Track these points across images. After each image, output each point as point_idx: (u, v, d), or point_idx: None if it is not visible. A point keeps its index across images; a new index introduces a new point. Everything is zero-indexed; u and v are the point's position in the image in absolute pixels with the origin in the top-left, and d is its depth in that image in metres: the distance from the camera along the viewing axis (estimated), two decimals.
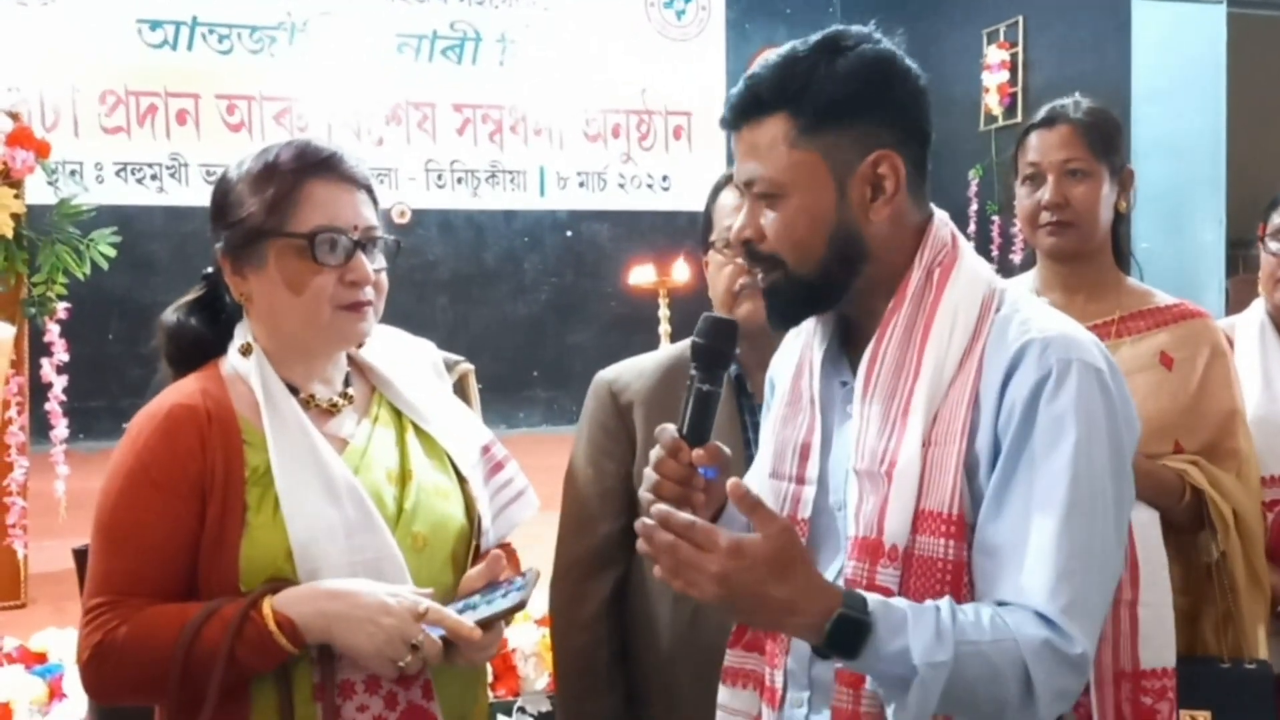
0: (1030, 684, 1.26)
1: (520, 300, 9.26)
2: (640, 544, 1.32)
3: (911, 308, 1.40)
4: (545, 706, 3.62)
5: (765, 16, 9.67)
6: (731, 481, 1.31)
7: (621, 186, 9.42)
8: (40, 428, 4.74)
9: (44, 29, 7.75)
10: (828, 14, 9.69)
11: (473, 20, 8.95)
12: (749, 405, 2.02)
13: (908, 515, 1.35)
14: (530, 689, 3.65)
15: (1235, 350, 2.40)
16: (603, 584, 2.04)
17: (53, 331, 4.50)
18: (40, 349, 4.52)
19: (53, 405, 4.56)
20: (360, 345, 1.72)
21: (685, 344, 2.11)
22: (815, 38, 1.41)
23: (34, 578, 4.50)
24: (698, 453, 1.42)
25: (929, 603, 1.30)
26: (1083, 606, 1.29)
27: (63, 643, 3.54)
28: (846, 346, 1.51)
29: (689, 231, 9.10)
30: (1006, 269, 7.71)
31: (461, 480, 1.75)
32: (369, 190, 1.66)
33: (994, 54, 8.16)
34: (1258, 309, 2.55)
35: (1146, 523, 2.01)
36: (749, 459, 1.88)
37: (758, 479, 1.56)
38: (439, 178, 8.93)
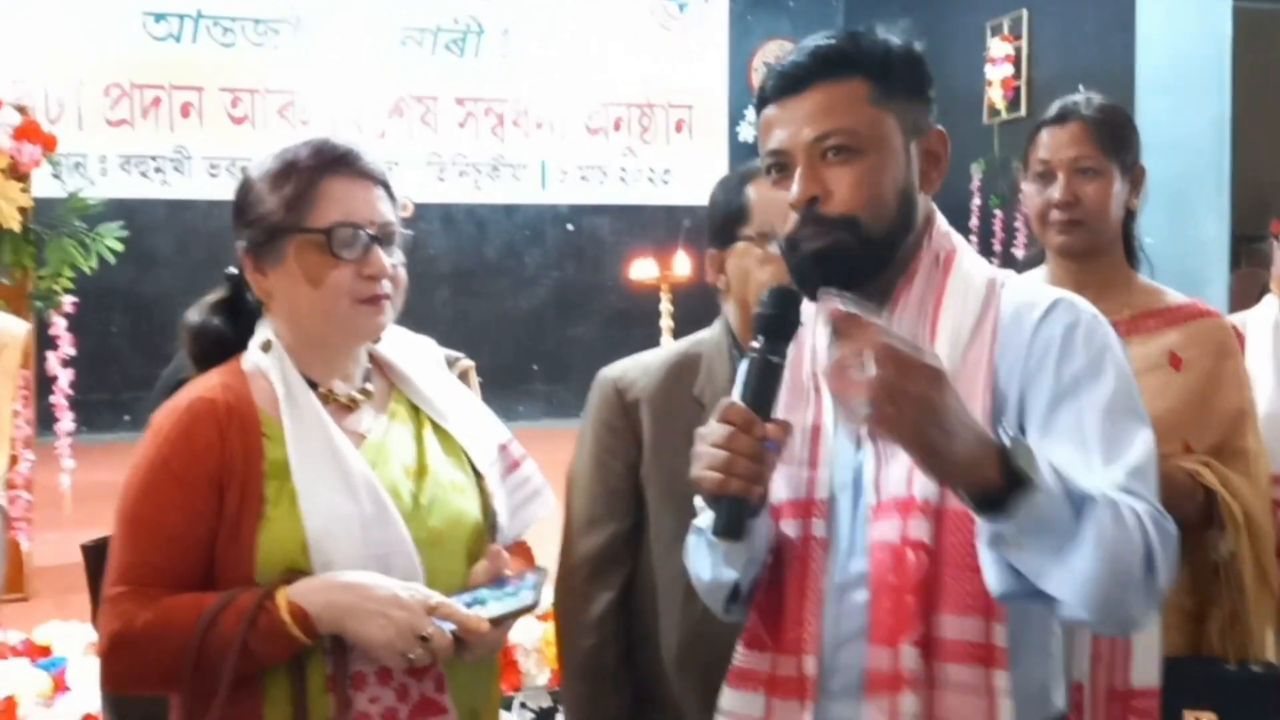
0: (1151, 555, 1.27)
1: (521, 294, 9.27)
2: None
3: (921, 284, 1.46)
4: (546, 702, 3.63)
5: (767, 9, 9.67)
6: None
7: (623, 180, 9.42)
8: (44, 420, 4.75)
9: (49, 22, 7.76)
10: (830, 6, 9.69)
11: (475, 13, 8.96)
12: None
13: None
14: (531, 684, 3.66)
15: (1246, 347, 2.39)
16: (610, 585, 2.02)
17: (58, 325, 4.51)
18: (45, 342, 4.53)
19: (58, 398, 4.57)
20: (378, 341, 1.74)
21: (690, 341, 2.11)
22: (868, 27, 1.49)
23: (37, 571, 4.51)
24: (772, 427, 1.37)
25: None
26: (1153, 473, 1.35)
27: (66, 636, 3.55)
28: None
29: (688, 224, 9.12)
30: (1009, 263, 7.68)
31: (478, 476, 1.76)
32: (385, 186, 1.69)
33: (998, 47, 8.15)
34: (1270, 305, 2.54)
35: None
36: None
37: None
38: (441, 171, 8.94)
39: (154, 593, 1.55)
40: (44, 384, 4.58)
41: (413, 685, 1.61)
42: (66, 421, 4.61)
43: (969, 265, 1.48)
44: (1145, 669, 1.94)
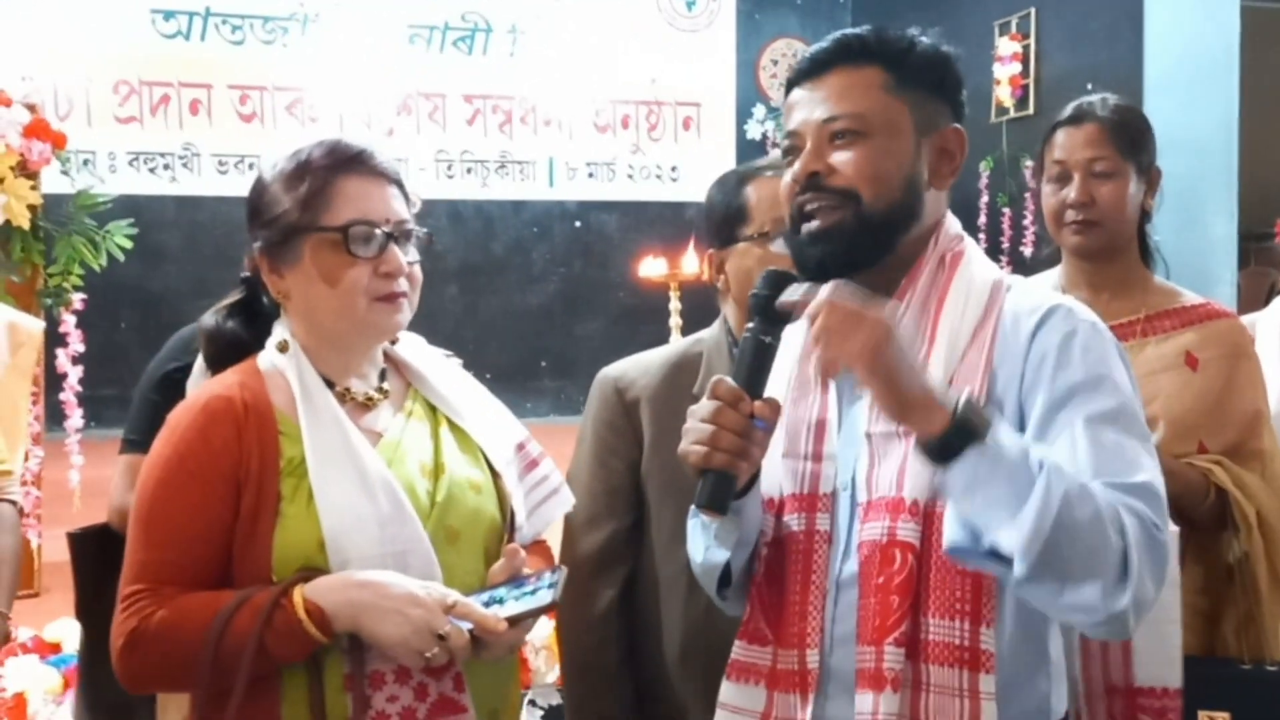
0: (1127, 553, 1.27)
1: (529, 290, 9.27)
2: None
3: (926, 284, 1.47)
4: (555, 699, 3.63)
5: (776, 7, 9.66)
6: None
7: (630, 177, 9.42)
8: (54, 416, 4.76)
9: (58, 20, 7.77)
10: (838, 5, 9.68)
11: (483, 11, 8.96)
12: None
13: (927, 472, 1.36)
14: (541, 681, 3.66)
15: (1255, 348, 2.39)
16: (611, 582, 2.03)
17: (68, 322, 4.51)
18: (55, 339, 4.54)
19: (67, 395, 4.57)
20: (395, 340, 1.75)
21: (690, 340, 2.12)
22: (897, 27, 1.52)
23: (47, 566, 4.52)
24: (759, 404, 1.41)
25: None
26: (1157, 492, 1.33)
27: (77, 633, 3.56)
28: None
29: (698, 222, 9.10)
30: (1017, 261, 7.70)
31: (495, 475, 1.76)
32: (399, 185, 1.69)
33: (1005, 45, 8.14)
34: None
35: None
36: None
37: (766, 462, 1.55)
38: (449, 168, 8.95)
39: (170, 591, 1.55)
40: (53, 380, 4.59)
41: (431, 684, 1.60)
42: (76, 418, 4.62)
43: (975, 267, 1.48)
44: (1156, 668, 1.87)
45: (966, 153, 1.49)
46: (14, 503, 2.11)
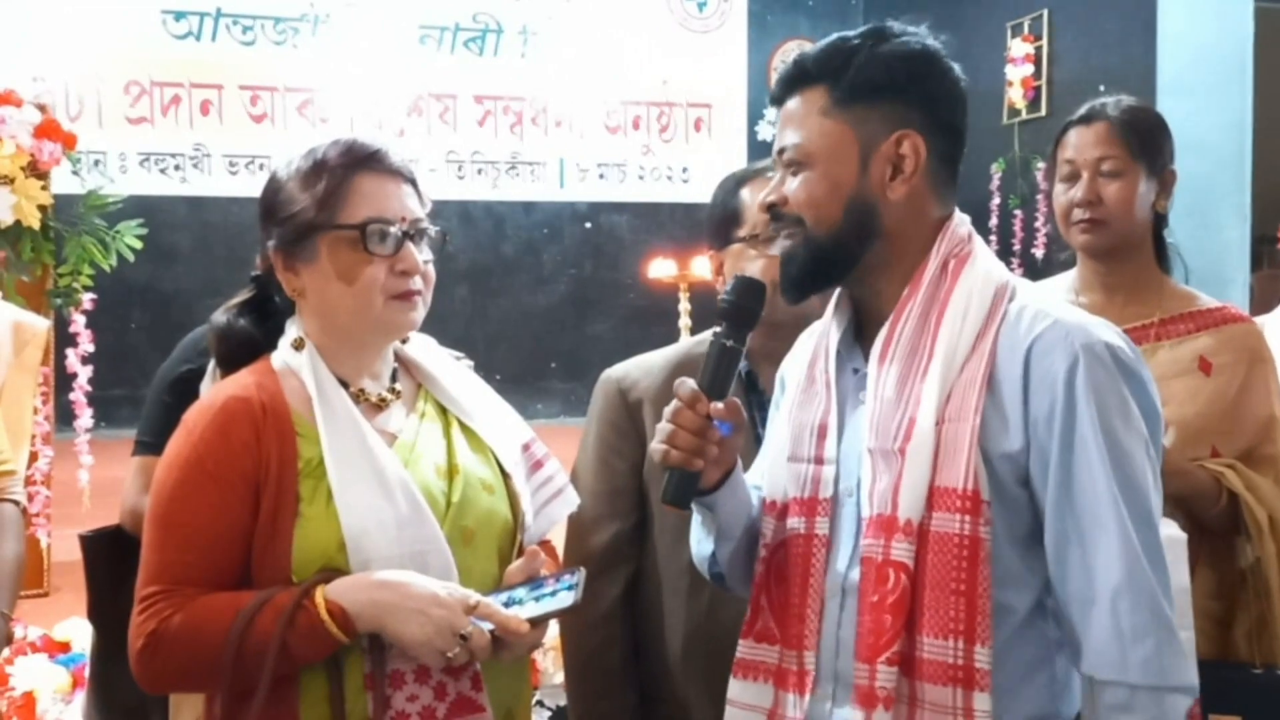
0: None
1: (539, 291, 9.28)
2: None
3: (927, 294, 1.45)
4: (563, 700, 3.62)
5: (786, 9, 9.65)
6: None
7: (641, 178, 9.42)
8: (64, 416, 4.77)
9: (69, 20, 7.80)
10: (850, 6, 9.67)
11: (494, 12, 8.97)
12: (758, 401, 2.01)
13: (922, 491, 1.38)
14: (548, 682, 3.66)
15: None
16: (614, 582, 2.03)
17: (78, 322, 4.52)
18: (65, 339, 4.55)
19: (77, 395, 4.58)
20: (406, 340, 1.75)
21: (694, 340, 2.12)
22: (865, 27, 1.50)
23: (56, 566, 4.53)
24: (716, 406, 1.45)
25: None
26: (1179, 640, 1.35)
27: (86, 632, 3.57)
28: (860, 337, 1.54)
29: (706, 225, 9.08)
30: (1029, 263, 7.68)
31: (505, 475, 1.76)
32: (414, 184, 1.70)
33: (1018, 47, 8.12)
34: None
35: (1173, 543, 2.00)
36: (757, 452, 1.88)
37: (771, 465, 1.59)
38: (459, 169, 8.95)
39: (189, 592, 1.55)
40: (63, 380, 4.59)
41: (450, 684, 1.60)
42: (85, 418, 4.63)
43: (980, 273, 1.46)
44: None
45: (924, 152, 1.45)
46: (17, 502, 2.11)
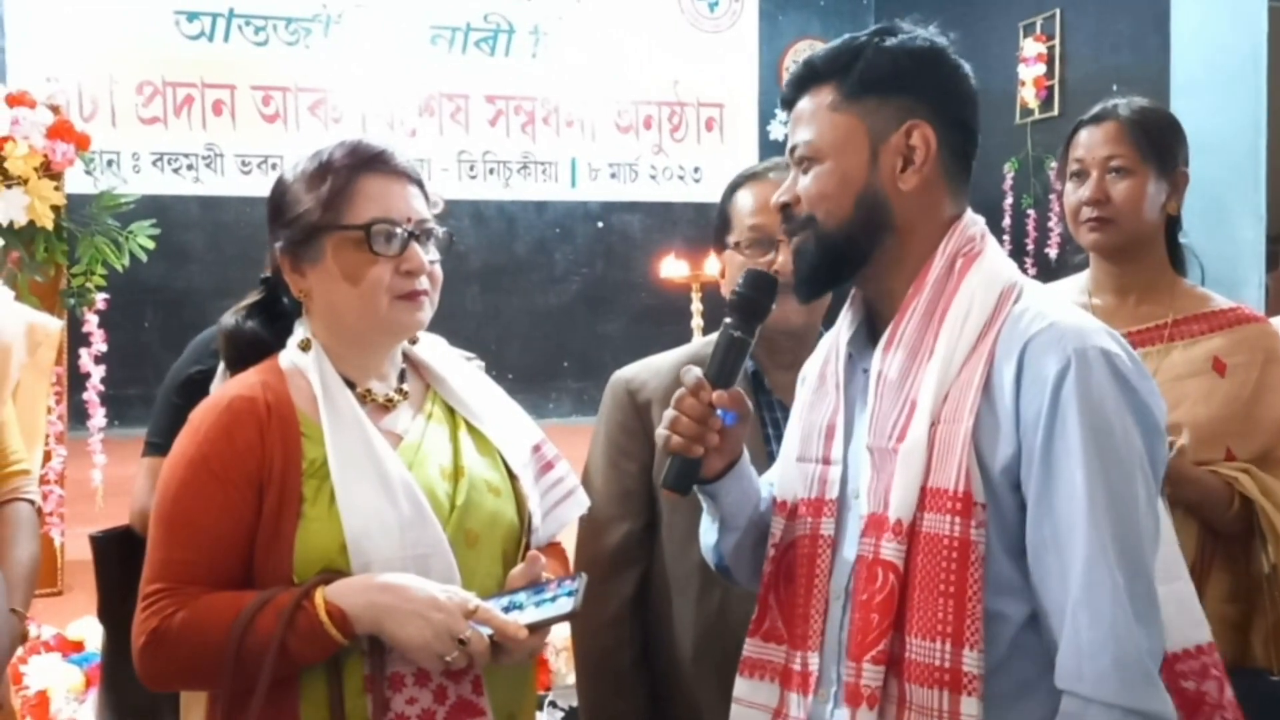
0: None
1: (551, 291, 9.27)
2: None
3: (932, 293, 1.44)
4: (575, 701, 3.63)
5: (798, 8, 9.64)
6: None
7: (653, 178, 9.41)
8: (77, 416, 4.78)
9: (82, 20, 7.82)
10: (861, 5, 9.65)
11: (506, 12, 8.97)
12: (767, 402, 2.01)
13: (913, 491, 1.38)
14: (561, 683, 3.66)
15: None
16: (624, 584, 2.03)
17: (91, 322, 4.54)
18: (79, 339, 4.56)
19: (90, 394, 4.59)
20: (415, 340, 1.76)
21: (704, 341, 2.12)
22: (873, 28, 1.52)
23: (70, 565, 4.54)
24: (719, 394, 1.48)
25: None
26: (1146, 663, 1.32)
27: (99, 632, 3.57)
28: (872, 337, 1.54)
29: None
30: (1042, 263, 7.65)
31: (512, 478, 1.76)
32: (420, 184, 1.70)
33: (1030, 47, 8.09)
34: None
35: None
36: (769, 455, 1.88)
37: (783, 465, 1.60)
38: (471, 168, 8.96)
39: (192, 590, 1.56)
40: (76, 380, 4.61)
41: (450, 687, 1.60)
42: (99, 417, 4.64)
43: (985, 272, 1.45)
44: (1181, 631, 1.81)
45: (935, 144, 1.45)
46: (32, 502, 2.11)
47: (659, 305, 8.52)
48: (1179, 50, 6.85)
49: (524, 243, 9.22)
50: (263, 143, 8.32)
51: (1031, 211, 7.97)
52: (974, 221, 1.50)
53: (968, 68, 1.50)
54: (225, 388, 1.67)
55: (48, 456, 4.39)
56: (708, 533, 1.69)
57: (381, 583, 1.54)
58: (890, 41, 1.47)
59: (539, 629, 1.58)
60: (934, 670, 1.35)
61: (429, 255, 1.67)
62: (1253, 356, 2.13)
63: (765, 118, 9.53)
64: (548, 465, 1.83)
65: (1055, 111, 7.89)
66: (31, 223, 4.34)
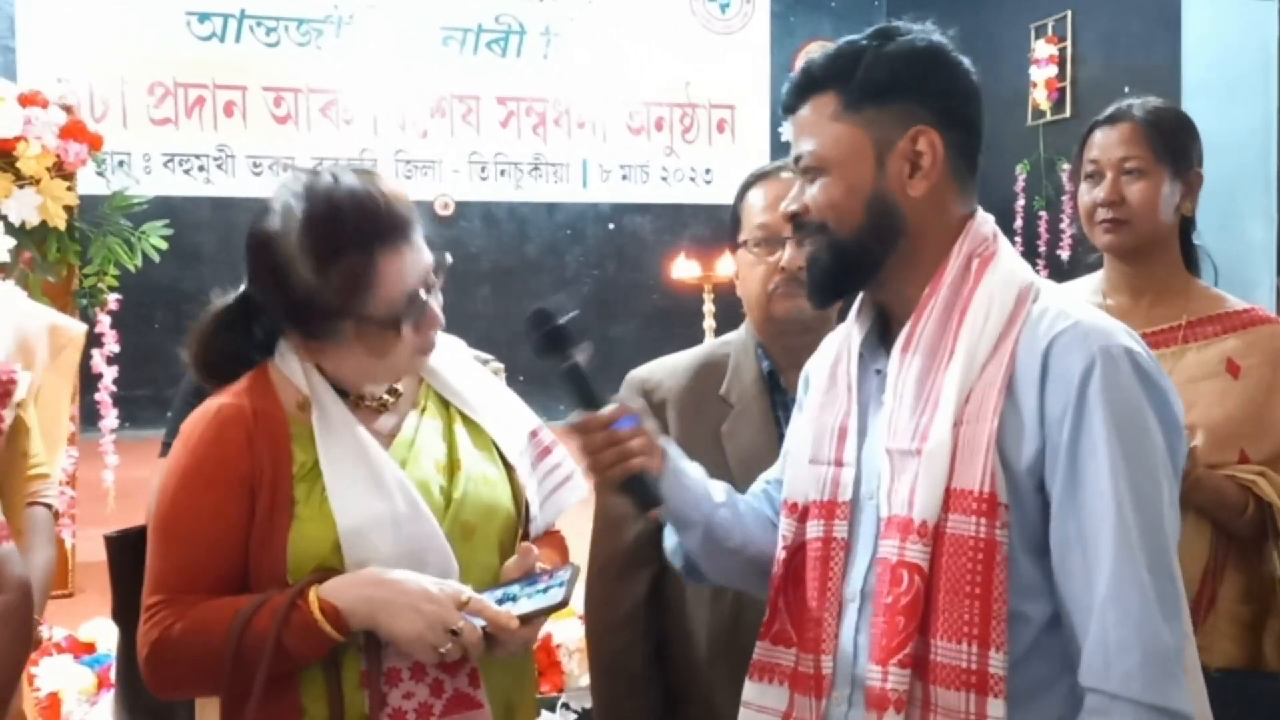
0: None
1: (562, 292, 9.27)
2: None
3: (948, 294, 1.44)
4: (588, 702, 3.62)
5: (809, 10, 9.63)
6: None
7: (664, 179, 9.41)
8: (89, 417, 4.79)
9: (94, 21, 7.84)
10: (873, 7, 9.63)
11: (517, 13, 8.98)
12: (782, 401, 2.01)
13: (938, 492, 1.37)
14: (574, 684, 3.66)
15: None
16: (637, 584, 2.03)
17: (103, 323, 4.54)
18: (90, 339, 4.56)
19: (102, 395, 4.60)
20: None
21: (717, 342, 2.12)
22: (870, 29, 1.50)
23: (81, 566, 4.55)
24: (604, 412, 1.52)
25: None
26: (1172, 661, 1.31)
27: (111, 633, 3.58)
28: (884, 338, 1.53)
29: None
30: (1054, 264, 7.64)
31: (509, 469, 1.76)
32: (418, 226, 1.64)
33: (1042, 48, 8.08)
34: None
35: None
36: (779, 450, 1.88)
37: (793, 466, 1.59)
38: (482, 170, 8.97)
39: (191, 599, 1.57)
40: (88, 381, 4.61)
41: (447, 680, 1.61)
42: (111, 418, 4.65)
43: (1003, 272, 1.45)
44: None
45: (941, 147, 1.44)
46: (49, 506, 2.12)
47: (670, 307, 8.51)
48: (1190, 51, 6.83)
49: (535, 244, 9.22)
50: (274, 144, 8.34)
51: (1044, 213, 7.96)
52: (985, 220, 1.49)
53: (968, 63, 1.49)
54: (214, 397, 1.67)
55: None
56: (668, 537, 1.70)
57: (374, 577, 1.54)
58: (889, 46, 1.46)
59: (531, 620, 1.58)
60: (960, 672, 1.34)
61: (436, 299, 1.66)
62: (1266, 358, 2.12)
63: (777, 119, 9.51)
64: (545, 450, 1.83)
65: (1067, 113, 7.87)
66: (44, 223, 4.35)
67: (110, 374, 4.59)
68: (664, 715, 2.05)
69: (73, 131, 4.43)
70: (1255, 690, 2.01)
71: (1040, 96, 8.09)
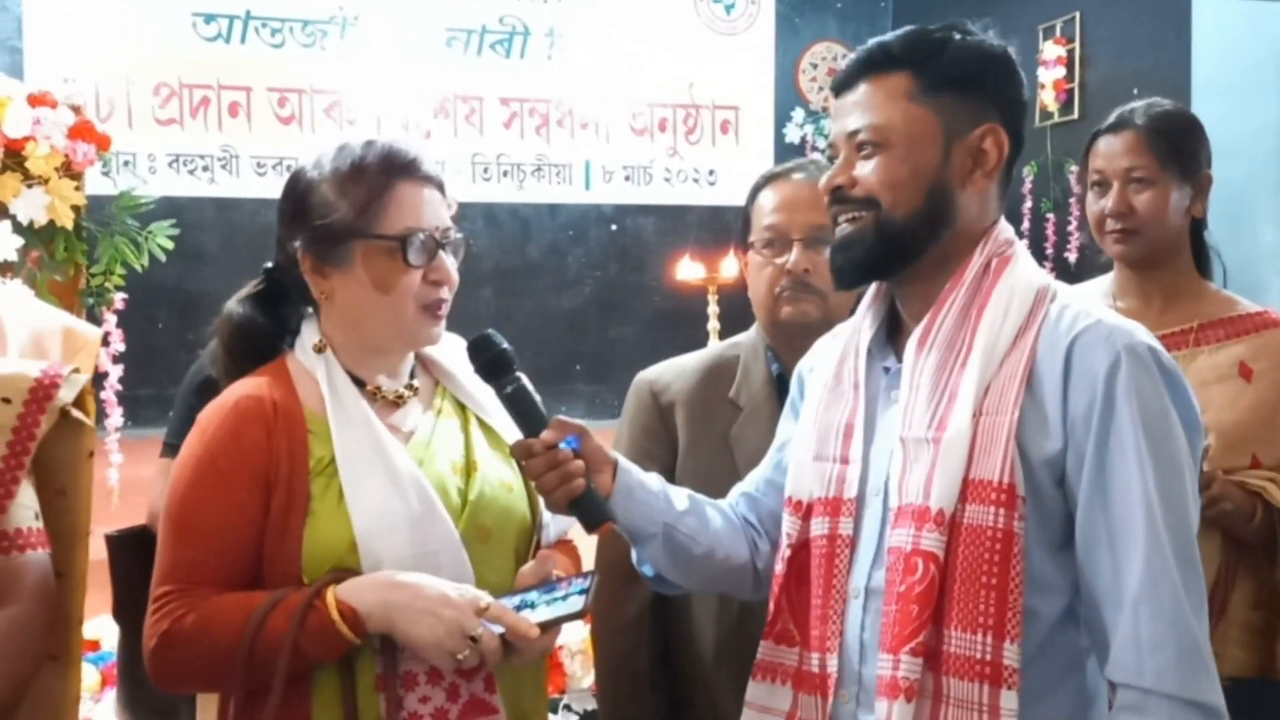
0: None
1: (564, 294, 9.26)
2: None
3: (969, 289, 1.45)
4: (591, 705, 3.62)
5: (815, 11, 9.61)
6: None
7: (667, 180, 9.39)
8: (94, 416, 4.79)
9: (99, 22, 7.84)
10: (879, 8, 9.62)
11: (521, 14, 8.96)
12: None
13: (955, 482, 1.37)
14: (576, 686, 3.65)
15: None
16: (644, 587, 2.03)
17: (109, 322, 4.55)
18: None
19: (108, 394, 4.60)
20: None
21: (725, 344, 2.12)
22: (944, 23, 1.51)
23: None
24: (544, 437, 1.55)
25: None
26: (1205, 655, 1.32)
27: (115, 631, 3.57)
28: (892, 336, 1.55)
29: (735, 226, 9.06)
30: (1061, 267, 7.62)
31: (523, 473, 1.75)
32: (443, 190, 1.70)
33: (1050, 50, 8.06)
34: None
35: None
36: None
37: (796, 464, 1.60)
38: (485, 171, 8.95)
39: (202, 591, 1.56)
40: (94, 379, 4.61)
41: (463, 685, 1.61)
42: (116, 417, 4.65)
43: (1020, 273, 1.47)
44: None
45: (1007, 150, 1.47)
46: None
47: (673, 309, 8.50)
48: (1200, 53, 6.81)
49: (537, 245, 9.21)
50: (278, 145, 8.33)
51: (1051, 215, 7.94)
52: (1006, 227, 1.52)
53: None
54: (232, 389, 1.68)
55: None
56: (633, 550, 1.71)
57: (393, 580, 1.54)
58: (970, 39, 1.48)
59: (550, 627, 1.58)
60: (974, 663, 1.34)
61: (452, 261, 1.67)
62: (1278, 361, 2.11)
63: (781, 120, 9.51)
64: None
65: (1075, 115, 7.85)
66: (51, 222, 4.35)
67: (116, 373, 4.59)
68: (668, 718, 2.05)
69: (81, 131, 4.43)
70: (1268, 698, 1.99)
71: (1048, 98, 8.06)
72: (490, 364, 1.59)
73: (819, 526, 1.52)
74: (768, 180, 2.04)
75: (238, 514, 1.58)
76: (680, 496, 1.65)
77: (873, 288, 1.58)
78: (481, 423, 1.76)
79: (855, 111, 1.49)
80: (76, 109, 4.50)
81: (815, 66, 9.57)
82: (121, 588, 2.34)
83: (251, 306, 1.74)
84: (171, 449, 2.42)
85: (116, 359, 4.59)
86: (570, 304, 9.28)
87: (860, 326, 1.57)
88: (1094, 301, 1.48)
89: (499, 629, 1.54)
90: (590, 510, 1.56)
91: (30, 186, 4.31)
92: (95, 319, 4.54)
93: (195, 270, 7.72)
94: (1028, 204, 8.02)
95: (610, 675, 2.10)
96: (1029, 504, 1.36)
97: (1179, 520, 1.34)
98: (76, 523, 1.79)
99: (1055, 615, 1.39)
